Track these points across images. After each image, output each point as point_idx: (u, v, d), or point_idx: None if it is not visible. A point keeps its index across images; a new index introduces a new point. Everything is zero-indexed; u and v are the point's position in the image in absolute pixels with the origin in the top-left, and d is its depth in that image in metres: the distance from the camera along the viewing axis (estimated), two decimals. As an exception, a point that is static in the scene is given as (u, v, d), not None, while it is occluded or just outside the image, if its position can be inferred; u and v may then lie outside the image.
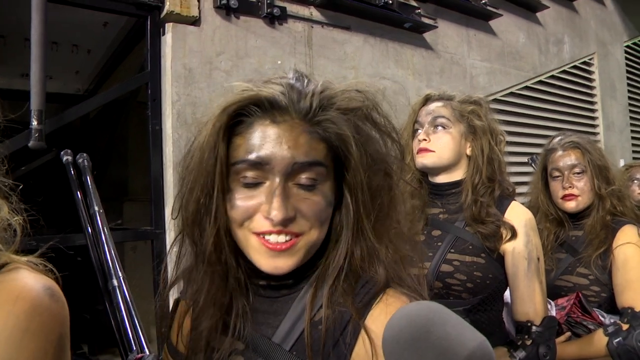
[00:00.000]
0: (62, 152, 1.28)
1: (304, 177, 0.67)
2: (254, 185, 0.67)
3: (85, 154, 1.27)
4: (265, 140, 0.66)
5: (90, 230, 1.12)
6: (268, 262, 0.67)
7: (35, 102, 1.78)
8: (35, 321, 0.54)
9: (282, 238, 0.66)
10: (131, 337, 0.93)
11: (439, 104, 1.39)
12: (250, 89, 0.69)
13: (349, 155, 0.69)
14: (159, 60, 2.16)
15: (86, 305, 3.98)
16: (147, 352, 0.88)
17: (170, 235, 2.08)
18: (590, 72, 4.61)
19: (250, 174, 0.67)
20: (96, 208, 1.15)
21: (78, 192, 1.20)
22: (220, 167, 0.67)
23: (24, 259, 0.61)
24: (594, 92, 4.63)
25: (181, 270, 0.78)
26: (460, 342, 0.45)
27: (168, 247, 2.08)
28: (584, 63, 4.54)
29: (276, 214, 0.64)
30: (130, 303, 0.97)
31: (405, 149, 1.42)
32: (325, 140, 0.69)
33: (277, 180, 0.66)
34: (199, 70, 2.19)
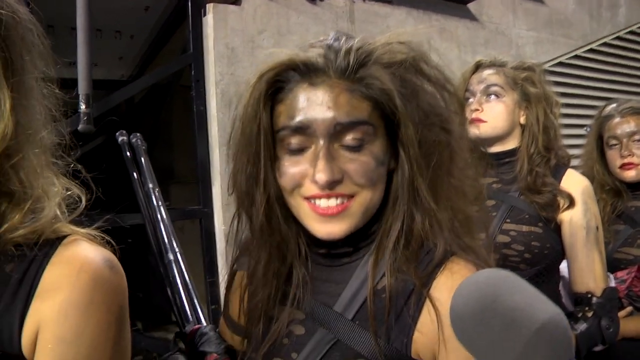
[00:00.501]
0: (117, 133, 1.31)
1: (349, 138, 0.65)
2: (299, 151, 0.66)
3: (139, 134, 1.30)
4: (304, 104, 0.65)
5: (145, 207, 1.14)
6: (321, 228, 0.66)
7: (82, 87, 1.82)
8: (98, 293, 0.55)
9: (332, 202, 0.65)
10: (187, 310, 0.94)
11: (490, 71, 1.34)
12: (284, 54, 0.67)
13: (395, 111, 0.66)
14: (201, 41, 2.17)
15: (139, 284, 4.12)
16: (204, 323, 0.89)
17: (218, 214, 2.11)
18: (646, 37, 4.37)
19: (294, 140, 0.66)
20: (151, 185, 1.17)
21: (134, 171, 1.22)
22: (265, 135, 0.66)
23: (83, 230, 0.62)
24: (650, 58, 4.39)
25: (240, 244, 0.78)
26: (530, 314, 0.41)
27: (217, 225, 2.12)
28: (641, 27, 4.30)
29: (321, 176, 0.62)
30: (186, 276, 0.99)
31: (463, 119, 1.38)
32: (369, 98, 0.66)
33: (321, 142, 0.64)
34: (241, 49, 2.19)
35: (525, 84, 1.31)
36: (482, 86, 1.33)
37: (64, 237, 0.59)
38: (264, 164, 0.67)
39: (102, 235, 0.64)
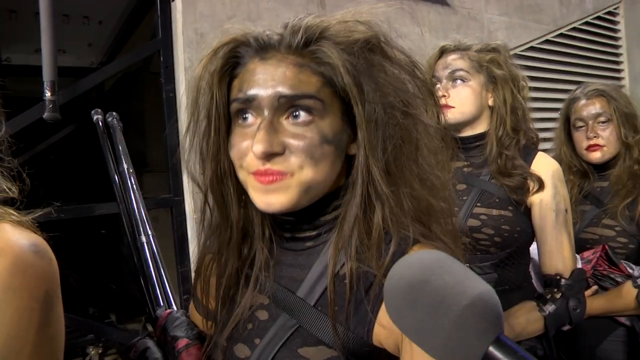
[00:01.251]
0: (92, 112, 1.28)
1: (294, 111, 0.64)
2: (248, 123, 0.66)
3: (115, 113, 1.27)
4: (253, 77, 0.66)
5: (120, 188, 1.12)
6: (261, 199, 0.65)
7: (47, 73, 1.76)
8: (17, 278, 0.52)
9: (268, 178, 0.64)
10: (159, 293, 0.93)
11: (455, 56, 1.34)
12: (238, 29, 0.69)
13: (346, 88, 0.65)
14: (170, 27, 2.12)
15: (112, 275, 4.07)
16: (175, 308, 0.88)
17: (188, 202, 2.08)
18: (615, 22, 4.43)
19: (243, 112, 0.67)
20: (125, 166, 1.15)
21: (108, 151, 1.19)
22: (216, 107, 0.67)
23: (15, 216, 0.59)
24: (619, 43, 4.46)
25: (208, 229, 0.76)
26: (459, 291, 0.42)
27: (188, 212, 2.09)
28: (608, 13, 4.35)
29: (258, 146, 0.62)
30: (158, 259, 0.97)
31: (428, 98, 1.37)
32: (318, 73, 0.65)
33: (265, 114, 0.64)
34: (210, 35, 2.15)
35: (490, 66, 1.31)
36: (447, 71, 1.33)
37: None
38: (214, 136, 0.68)
39: (33, 221, 0.62)
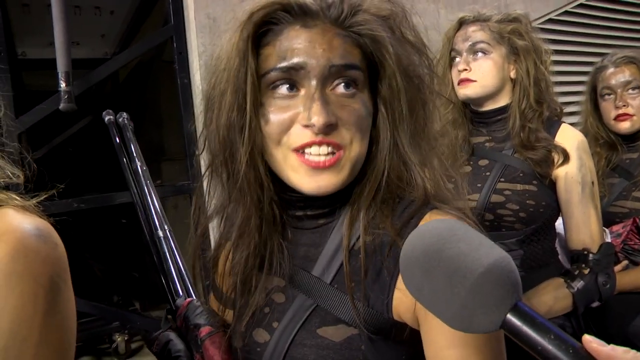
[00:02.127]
0: (104, 113, 1.30)
1: (342, 82, 0.62)
2: (289, 94, 0.62)
3: (125, 113, 1.29)
4: (297, 44, 0.61)
5: (134, 186, 1.13)
6: (310, 181, 0.61)
7: (61, 64, 1.77)
8: (20, 263, 0.51)
9: (324, 149, 0.61)
10: (178, 284, 0.93)
11: (475, 27, 1.29)
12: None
13: (384, 61, 0.64)
14: (182, 12, 2.11)
15: (135, 263, 4.13)
16: (195, 298, 0.87)
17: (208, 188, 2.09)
18: (637, -11, 4.30)
19: (284, 82, 0.62)
20: (138, 163, 1.16)
21: (121, 150, 1.21)
22: (252, 77, 0.61)
23: (18, 201, 0.58)
24: (642, 10, 4.32)
25: (214, 208, 0.73)
26: (474, 259, 0.41)
27: (207, 200, 2.09)
28: (631, -21, 4.22)
29: (317, 118, 0.58)
30: (176, 252, 0.98)
31: (443, 79, 1.33)
32: (359, 45, 0.64)
33: (314, 84, 0.61)
34: (223, 18, 2.12)
35: (512, 37, 1.26)
36: (467, 44, 1.28)
37: None
38: (249, 109, 0.62)
39: (38, 205, 0.60)
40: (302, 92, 0.62)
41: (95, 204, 1.88)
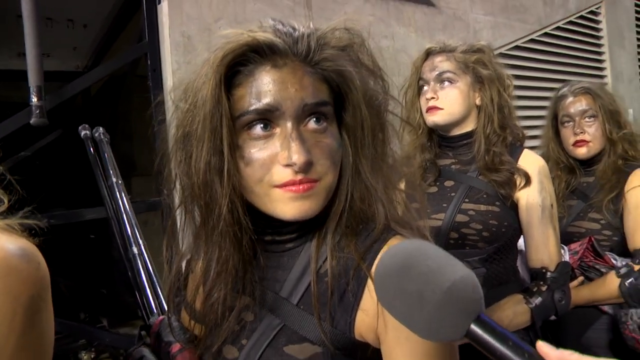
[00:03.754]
0: (80, 127, 1.30)
1: (313, 119, 0.64)
2: (264, 134, 0.64)
3: (101, 128, 1.29)
4: (269, 85, 0.63)
5: (109, 201, 1.14)
6: (292, 208, 0.64)
7: (33, 79, 1.75)
8: (1, 281, 0.52)
9: (303, 187, 0.63)
10: (152, 302, 0.94)
11: (441, 57, 1.36)
12: (244, 35, 0.64)
13: (349, 92, 0.67)
14: (156, 30, 2.12)
15: (103, 280, 4.05)
16: (168, 315, 0.89)
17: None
18: (597, 22, 4.50)
19: (259, 123, 0.63)
20: (114, 179, 1.17)
21: (97, 165, 1.21)
22: (227, 121, 0.63)
23: (2, 221, 0.59)
24: (601, 42, 4.52)
25: (186, 246, 0.76)
26: (441, 275, 0.45)
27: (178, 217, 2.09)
28: (591, 12, 4.42)
29: (298, 157, 0.61)
30: (150, 269, 0.99)
31: (412, 107, 1.39)
32: (326, 80, 0.67)
33: (289, 124, 0.63)
34: (197, 37, 2.15)
35: (476, 67, 1.33)
36: (434, 74, 1.35)
37: None
38: (227, 152, 0.63)
39: (24, 226, 0.61)
40: (278, 130, 0.64)
41: (66, 220, 1.85)
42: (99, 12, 2.73)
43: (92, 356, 3.12)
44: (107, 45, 3.14)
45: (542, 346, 0.42)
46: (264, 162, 0.63)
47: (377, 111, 0.70)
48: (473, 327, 0.44)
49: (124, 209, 1.10)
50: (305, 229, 0.70)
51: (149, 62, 2.11)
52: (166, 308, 0.91)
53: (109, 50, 3.19)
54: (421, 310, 0.45)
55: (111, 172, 1.18)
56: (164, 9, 2.10)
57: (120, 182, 1.16)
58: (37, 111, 1.74)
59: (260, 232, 0.71)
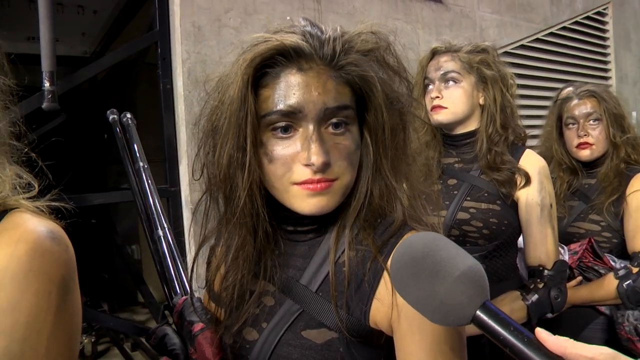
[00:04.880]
0: (108, 112, 1.33)
1: (334, 122, 0.68)
2: (287, 135, 0.68)
3: (129, 113, 1.32)
4: (294, 88, 0.67)
5: (136, 185, 1.17)
6: (309, 204, 0.68)
7: (46, 64, 1.78)
8: (36, 262, 0.55)
9: (320, 186, 0.67)
10: (176, 283, 0.98)
11: (446, 57, 1.38)
12: (273, 39, 0.68)
13: (371, 95, 0.70)
14: (167, 19, 2.15)
15: (104, 264, 4.08)
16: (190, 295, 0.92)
17: (185, 193, 2.12)
18: (603, 23, 4.51)
19: (282, 124, 0.67)
20: (141, 163, 1.20)
21: (125, 150, 1.24)
22: (252, 119, 0.67)
23: (33, 204, 0.62)
24: (607, 43, 4.54)
25: (209, 230, 0.79)
26: (452, 265, 0.50)
27: (184, 203, 2.12)
28: (598, 13, 4.43)
29: (316, 158, 0.65)
30: (174, 251, 1.02)
31: (418, 105, 1.42)
32: (349, 83, 0.70)
33: (311, 126, 0.67)
34: (207, 27, 2.17)
35: (480, 67, 1.35)
36: (439, 73, 1.37)
37: (11, 209, 0.60)
38: (250, 148, 0.67)
39: (53, 209, 0.64)
40: (300, 131, 0.68)
41: (75, 204, 1.88)
42: (109, 0, 2.75)
43: (93, 340, 3.17)
44: (117, 32, 3.16)
45: (540, 332, 0.47)
46: (285, 161, 0.68)
47: (400, 112, 0.73)
48: (479, 313, 0.48)
49: (150, 193, 1.13)
50: (325, 221, 0.74)
51: (159, 51, 2.13)
52: (188, 289, 0.95)
53: (118, 37, 3.20)
54: (433, 296, 0.50)
55: (138, 155, 1.21)
56: (175, -1, 2.12)
57: (146, 166, 1.19)
58: (49, 96, 1.77)
59: (283, 222, 0.76)
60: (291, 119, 0.67)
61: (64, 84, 1.93)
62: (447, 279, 0.49)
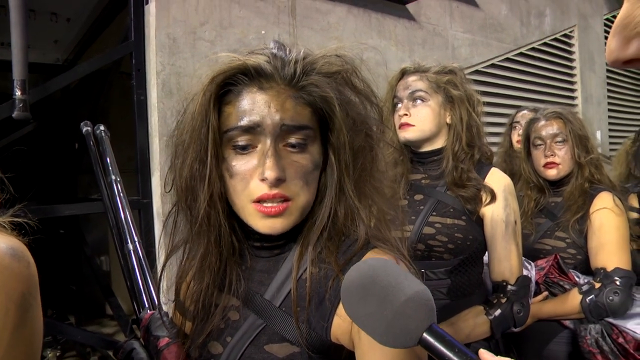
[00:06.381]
0: (82, 123, 1.33)
1: (292, 139, 0.71)
2: (246, 151, 0.71)
3: (102, 125, 1.32)
4: (254, 105, 0.70)
5: (108, 198, 1.16)
6: (264, 225, 0.71)
7: (17, 72, 1.75)
8: None
9: (275, 202, 0.70)
10: (144, 297, 0.99)
11: (415, 77, 1.42)
12: (236, 59, 0.72)
13: (332, 116, 0.73)
14: (142, 30, 2.14)
15: (72, 276, 3.99)
16: (158, 310, 0.92)
17: (157, 205, 2.10)
18: (570, 45, 4.67)
19: (242, 139, 0.70)
20: (113, 177, 1.20)
21: (97, 161, 1.24)
22: (213, 134, 0.70)
23: None
24: (573, 64, 4.69)
25: (178, 240, 0.81)
26: (399, 290, 0.52)
27: (155, 215, 2.11)
28: (565, 36, 4.59)
29: (270, 173, 0.67)
30: (144, 265, 1.02)
31: (386, 123, 1.45)
32: (310, 104, 0.73)
33: (268, 142, 0.69)
34: (183, 40, 2.18)
35: (447, 87, 1.39)
36: (408, 92, 1.41)
37: None
38: (210, 161, 0.70)
39: (14, 224, 0.64)
40: (258, 147, 0.71)
41: (42, 215, 1.85)
42: (84, 8, 2.73)
43: (58, 354, 3.09)
44: (90, 40, 3.13)
45: (483, 353, 0.49)
46: (244, 176, 0.70)
47: (366, 135, 0.76)
48: (425, 335, 0.51)
49: (122, 206, 1.13)
50: (290, 238, 0.76)
51: (133, 62, 2.13)
52: (157, 303, 0.96)
53: (92, 46, 3.17)
54: (381, 320, 0.52)
55: (110, 169, 1.21)
56: (151, 10, 2.12)
57: (119, 179, 1.19)
58: (21, 105, 1.74)
59: (249, 237, 0.78)
60: (250, 135, 0.70)
61: (36, 92, 1.91)
62: (394, 304, 0.51)
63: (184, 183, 0.73)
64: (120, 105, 3.00)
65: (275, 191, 0.69)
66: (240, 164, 0.70)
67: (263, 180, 0.69)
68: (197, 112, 0.71)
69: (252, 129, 0.69)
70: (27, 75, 1.76)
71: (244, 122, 0.69)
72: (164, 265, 0.85)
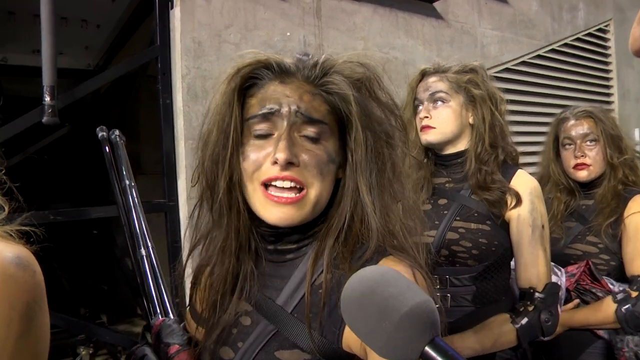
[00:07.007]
0: (97, 129, 1.35)
1: (307, 131, 0.72)
2: (264, 136, 0.73)
3: (117, 131, 1.33)
4: (274, 94, 0.74)
5: (122, 203, 1.17)
6: (273, 213, 0.72)
7: (47, 78, 1.80)
8: None
9: (286, 184, 0.70)
10: (156, 303, 0.99)
11: (435, 78, 1.40)
12: (261, 54, 0.76)
13: (349, 115, 0.74)
14: (168, 34, 2.17)
15: (104, 276, 4.08)
16: (169, 317, 0.93)
17: (183, 207, 2.12)
18: (605, 40, 4.51)
19: (262, 127, 0.73)
20: (127, 182, 1.21)
21: (112, 167, 1.25)
22: (235, 122, 0.74)
23: (0, 228, 0.61)
24: (609, 59, 4.53)
25: (201, 234, 0.82)
26: (400, 301, 0.49)
27: (182, 218, 2.12)
28: (600, 30, 4.44)
29: (281, 155, 0.69)
30: (157, 271, 1.02)
31: (409, 126, 1.42)
32: (328, 102, 0.75)
33: (284, 126, 0.72)
34: (208, 43, 2.19)
35: (468, 87, 1.36)
36: (428, 93, 1.39)
37: None
38: (230, 147, 0.73)
39: (23, 232, 0.64)
40: (275, 135, 0.73)
41: (72, 217, 1.89)
42: (112, 14, 2.78)
43: (90, 352, 3.17)
44: (119, 46, 3.19)
45: None
46: (257, 159, 0.73)
47: (386, 140, 0.77)
48: (427, 349, 0.48)
49: (135, 211, 1.13)
50: (305, 241, 0.76)
51: (159, 66, 2.15)
52: (169, 310, 0.96)
53: (121, 51, 3.23)
54: (381, 331, 0.49)
55: (125, 174, 1.22)
56: (176, 14, 2.14)
57: (133, 184, 1.20)
58: (50, 110, 1.78)
59: (265, 241, 0.78)
60: (269, 123, 0.73)
61: (67, 96, 1.95)
62: (394, 315, 0.49)
63: (207, 168, 0.76)
64: (148, 108, 3.04)
65: (285, 173, 0.70)
66: (256, 148, 0.73)
67: (275, 163, 0.70)
68: (221, 101, 0.75)
69: (271, 115, 0.73)
70: (56, 82, 1.81)
71: (264, 109, 0.73)
72: (188, 255, 0.86)
